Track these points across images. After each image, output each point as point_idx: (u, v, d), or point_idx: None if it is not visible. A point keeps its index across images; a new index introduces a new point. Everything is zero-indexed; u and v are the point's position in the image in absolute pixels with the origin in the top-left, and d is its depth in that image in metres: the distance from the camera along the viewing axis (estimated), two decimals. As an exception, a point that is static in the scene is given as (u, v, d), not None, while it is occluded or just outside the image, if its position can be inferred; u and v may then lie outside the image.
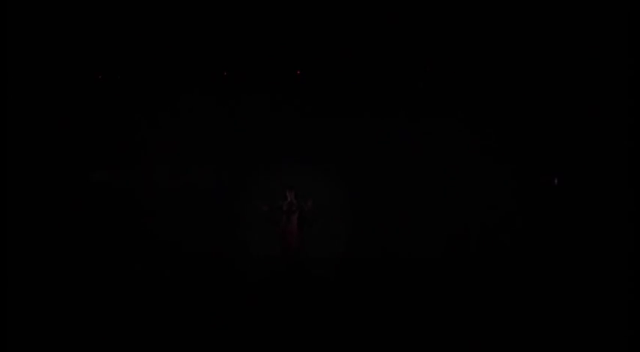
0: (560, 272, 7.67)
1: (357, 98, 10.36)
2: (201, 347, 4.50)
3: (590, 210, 8.43)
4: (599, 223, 8.12)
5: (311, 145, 10.63)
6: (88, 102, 10.03)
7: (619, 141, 7.52)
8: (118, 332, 4.75)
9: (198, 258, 9.15)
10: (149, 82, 10.48)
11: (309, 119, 10.73)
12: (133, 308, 5.08)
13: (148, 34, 9.03)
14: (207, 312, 4.90)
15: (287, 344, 4.40)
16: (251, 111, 10.73)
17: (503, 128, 10.08)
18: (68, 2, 8.35)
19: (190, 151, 10.95)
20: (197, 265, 7.05)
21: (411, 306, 5.13)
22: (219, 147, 10.88)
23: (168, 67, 10.00)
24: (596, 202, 8.37)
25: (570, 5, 7.91)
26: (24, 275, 6.61)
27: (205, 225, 10.56)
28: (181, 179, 10.82)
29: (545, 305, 5.53)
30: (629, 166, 6.96)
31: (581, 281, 6.71)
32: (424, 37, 8.73)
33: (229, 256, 9.45)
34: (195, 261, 8.66)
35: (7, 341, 4.72)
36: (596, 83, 8.40)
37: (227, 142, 10.86)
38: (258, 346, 4.38)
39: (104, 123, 10.33)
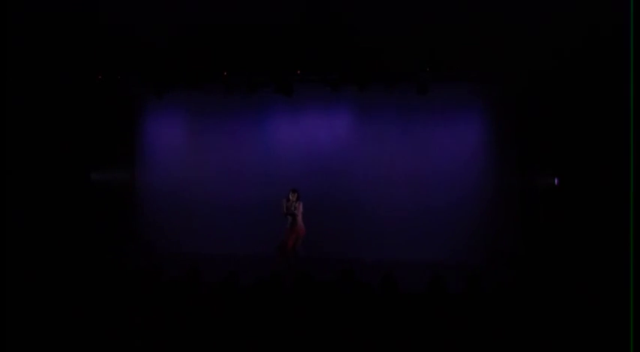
0: (561, 273, 7.68)
1: (357, 98, 10.39)
2: (199, 347, 4.51)
3: (591, 211, 8.44)
4: (599, 224, 8.13)
5: (313, 144, 10.66)
6: (88, 102, 10.05)
7: (619, 142, 7.51)
8: (116, 333, 4.77)
9: (198, 256, 9.17)
10: (149, 82, 10.52)
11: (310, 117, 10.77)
12: (131, 308, 5.09)
13: (148, 34, 9.02)
14: (206, 312, 4.91)
15: (284, 345, 4.41)
16: (251, 111, 10.76)
17: (503, 128, 10.10)
18: (68, 2, 8.36)
19: (192, 151, 11.00)
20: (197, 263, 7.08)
21: (410, 307, 5.12)
22: (220, 147, 10.93)
23: (168, 67, 10.03)
24: (596, 203, 8.38)
25: (567, 4, 7.92)
26: (24, 275, 6.62)
27: (206, 224, 10.61)
28: (184, 179, 10.87)
29: (546, 307, 5.53)
30: (629, 167, 6.95)
31: (582, 283, 6.72)
32: (424, 37, 8.72)
33: (228, 255, 9.48)
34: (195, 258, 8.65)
35: (6, 342, 4.73)
36: (596, 83, 8.41)
37: (228, 142, 10.90)
38: (256, 347, 4.39)
39: (104, 123, 10.35)
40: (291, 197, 8.99)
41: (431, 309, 5.05)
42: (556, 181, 9.33)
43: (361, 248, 9.94)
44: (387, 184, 10.37)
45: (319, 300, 5.08)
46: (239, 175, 10.65)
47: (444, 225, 9.99)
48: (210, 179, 10.75)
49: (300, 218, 8.93)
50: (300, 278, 5.72)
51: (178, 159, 10.96)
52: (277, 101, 10.37)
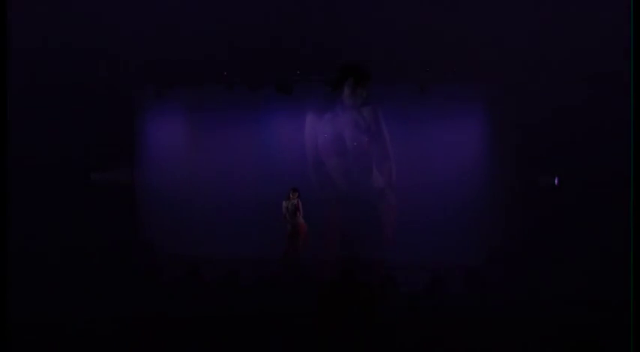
0: (560, 273, 7.67)
1: (357, 99, 10.36)
2: (199, 348, 4.51)
3: (591, 211, 8.43)
4: (599, 224, 8.12)
5: (313, 144, 10.64)
6: (88, 102, 10.04)
7: (619, 141, 7.51)
8: (116, 333, 4.77)
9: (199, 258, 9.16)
10: (151, 82, 10.51)
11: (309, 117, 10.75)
12: (130, 310, 5.10)
13: (148, 34, 9.04)
14: (207, 314, 4.91)
15: (284, 345, 4.41)
16: (251, 110, 10.75)
17: (503, 129, 10.09)
18: (68, 2, 8.38)
19: (192, 151, 10.99)
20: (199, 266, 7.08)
21: (410, 307, 5.13)
22: (220, 147, 10.91)
23: (169, 67, 10.02)
24: (596, 203, 8.37)
25: (567, 5, 7.93)
26: (24, 276, 6.62)
27: (207, 225, 10.60)
28: (184, 179, 10.86)
29: (546, 306, 5.54)
30: (629, 167, 6.95)
31: (582, 282, 6.72)
32: (424, 37, 8.73)
33: (229, 257, 9.47)
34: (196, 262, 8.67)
35: (7, 342, 4.73)
36: (596, 82, 8.40)
37: (228, 141, 10.88)
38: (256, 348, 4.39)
39: (103, 124, 10.33)
40: (291, 196, 9.06)
41: (431, 309, 5.05)
42: (556, 181, 9.31)
43: (361, 248, 9.91)
44: (387, 184, 10.35)
45: (320, 300, 5.08)
46: (239, 175, 10.63)
47: (444, 224, 9.95)
48: (210, 179, 10.72)
49: (300, 216, 8.97)
50: (301, 278, 5.73)
51: (178, 159, 10.94)
52: (277, 101, 10.35)
